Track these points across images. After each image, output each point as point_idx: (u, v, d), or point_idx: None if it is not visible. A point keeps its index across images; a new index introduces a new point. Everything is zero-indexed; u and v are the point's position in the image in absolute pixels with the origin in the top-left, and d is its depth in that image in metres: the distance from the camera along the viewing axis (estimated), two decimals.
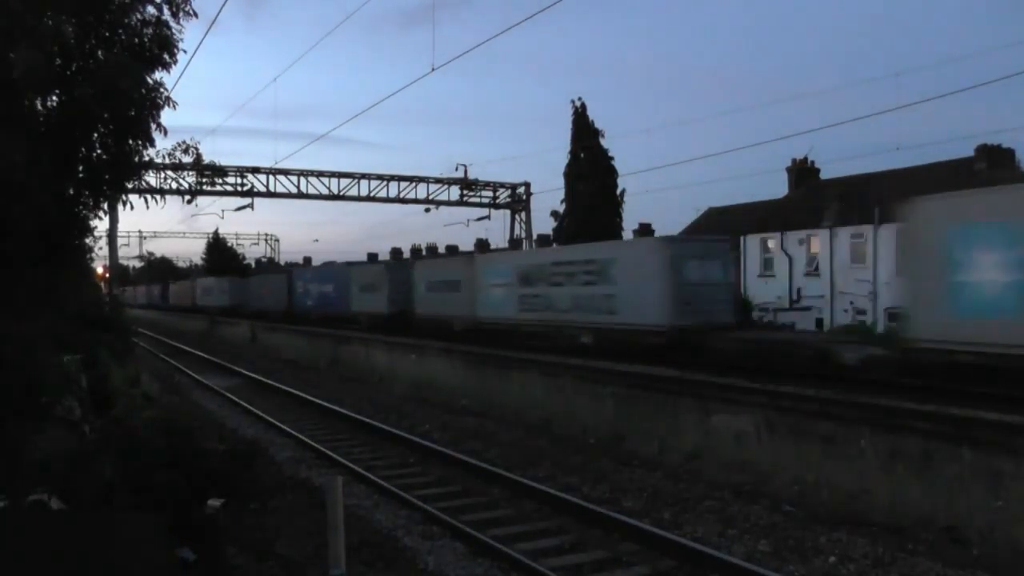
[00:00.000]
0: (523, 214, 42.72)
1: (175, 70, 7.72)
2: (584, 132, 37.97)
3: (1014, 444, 9.55)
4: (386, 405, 16.18)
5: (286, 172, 38.95)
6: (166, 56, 7.51)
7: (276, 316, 42.54)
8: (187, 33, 7.72)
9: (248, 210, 39.78)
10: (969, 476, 8.53)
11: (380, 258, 53.98)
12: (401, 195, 41.47)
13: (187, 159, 8.16)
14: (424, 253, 52.80)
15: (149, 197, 8.89)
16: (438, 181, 41.80)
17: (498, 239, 43.44)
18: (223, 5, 14.27)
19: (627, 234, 40.98)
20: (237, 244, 79.11)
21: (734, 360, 17.88)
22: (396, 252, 51.28)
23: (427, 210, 43.17)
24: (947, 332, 12.16)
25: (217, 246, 77.42)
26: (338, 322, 33.76)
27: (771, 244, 37.18)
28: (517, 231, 42.53)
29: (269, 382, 20.12)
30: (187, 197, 18.10)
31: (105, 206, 8.67)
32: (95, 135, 7.48)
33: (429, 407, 15.77)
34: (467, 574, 6.81)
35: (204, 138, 10.98)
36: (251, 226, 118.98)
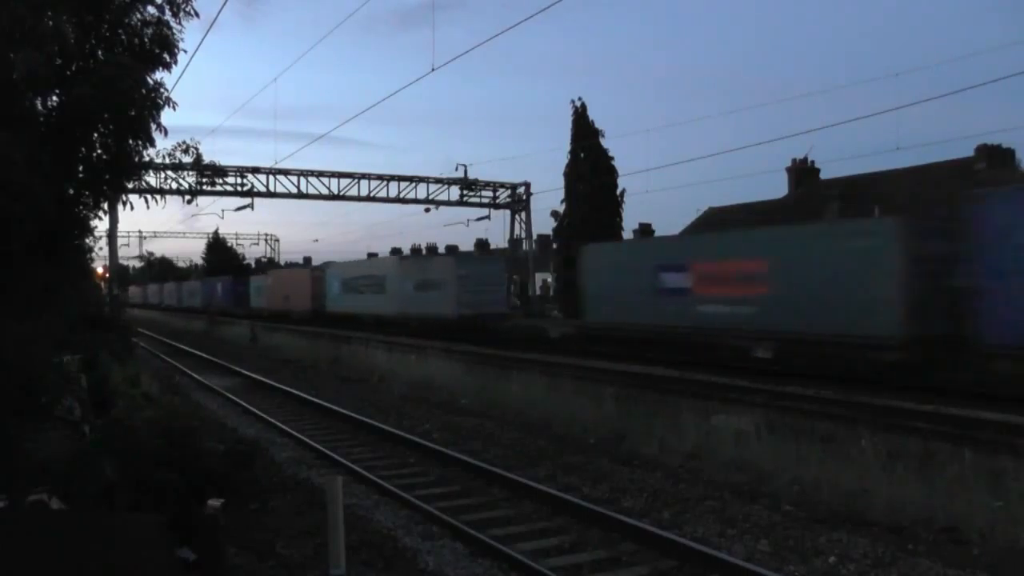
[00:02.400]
0: (523, 214, 42.76)
1: (175, 70, 7.71)
2: (584, 132, 38.03)
3: (1015, 444, 9.58)
4: (386, 405, 16.18)
5: (286, 172, 39.05)
6: (166, 56, 7.50)
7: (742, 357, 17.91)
8: (187, 33, 7.72)
9: (248, 210, 40.02)
10: (970, 476, 8.54)
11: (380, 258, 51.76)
12: (401, 195, 41.55)
13: (187, 159, 8.15)
14: (424, 253, 52.12)
15: (149, 197, 8.88)
16: (438, 181, 41.89)
17: (498, 239, 43.40)
18: (223, 5, 14.29)
19: (627, 234, 41.10)
20: (237, 244, 79.23)
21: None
22: (396, 252, 51.13)
23: (427, 210, 43.33)
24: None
25: (217, 246, 77.44)
26: None
27: None
28: (517, 231, 42.57)
29: (269, 382, 20.13)
30: (187, 197, 18.06)
31: (105, 206, 8.65)
32: (95, 135, 7.46)
33: (429, 407, 15.78)
34: (467, 574, 6.81)
35: (204, 138, 10.97)
36: (251, 226, 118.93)
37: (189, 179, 20.96)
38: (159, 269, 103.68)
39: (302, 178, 39.71)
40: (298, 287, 44.17)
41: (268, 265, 74.06)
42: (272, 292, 48.47)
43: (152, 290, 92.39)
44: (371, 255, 50.85)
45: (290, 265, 68.15)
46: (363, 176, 40.68)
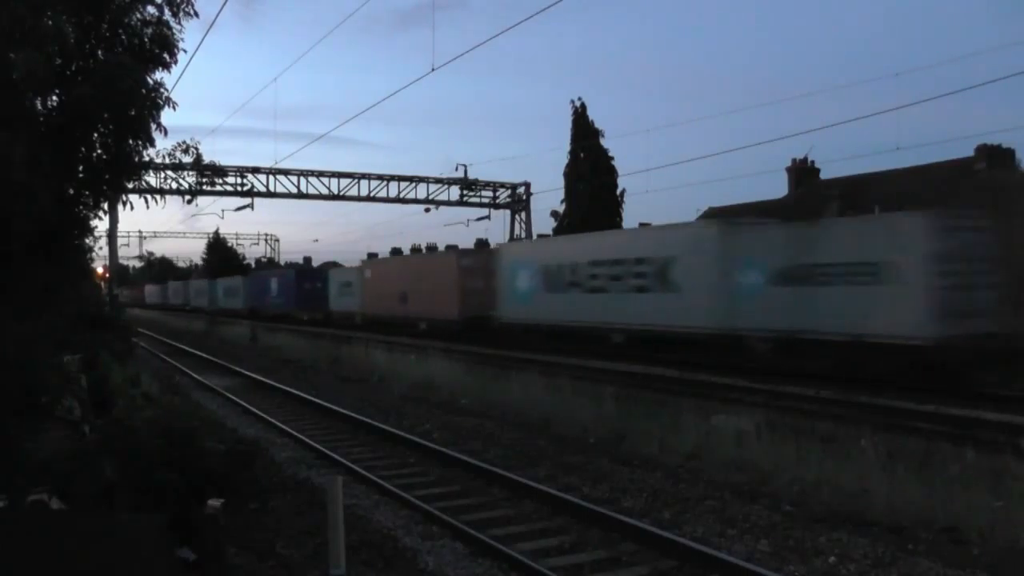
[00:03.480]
0: (523, 214, 42.77)
1: (175, 70, 7.72)
2: (584, 132, 38.05)
3: (1016, 444, 9.58)
4: (386, 405, 16.18)
5: (286, 172, 39.07)
6: (166, 56, 7.51)
7: None
8: (187, 33, 7.72)
9: (248, 210, 40.02)
10: (970, 476, 8.53)
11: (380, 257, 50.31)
12: (401, 195, 41.55)
13: (187, 159, 8.15)
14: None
15: (149, 197, 8.88)
16: (438, 181, 41.90)
17: (498, 239, 43.35)
18: (223, 6, 14.29)
19: None
20: (237, 244, 79.13)
21: None
22: (396, 252, 51.04)
23: (427, 210, 43.31)
24: None
25: (217, 246, 77.36)
26: None
27: None
28: (517, 231, 42.55)
29: (269, 382, 20.14)
30: (187, 197, 18.03)
31: (105, 206, 8.66)
32: (95, 135, 7.47)
33: (429, 407, 15.78)
34: (467, 574, 6.81)
35: (204, 138, 10.97)
36: (251, 226, 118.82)
37: (189, 179, 20.89)
38: (159, 269, 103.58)
39: (302, 178, 39.72)
40: (432, 282, 29.49)
41: (269, 265, 73.89)
42: (374, 290, 34.60)
43: (174, 289, 79.28)
44: (371, 255, 50.27)
45: (295, 263, 67.40)
46: (363, 176, 40.68)
